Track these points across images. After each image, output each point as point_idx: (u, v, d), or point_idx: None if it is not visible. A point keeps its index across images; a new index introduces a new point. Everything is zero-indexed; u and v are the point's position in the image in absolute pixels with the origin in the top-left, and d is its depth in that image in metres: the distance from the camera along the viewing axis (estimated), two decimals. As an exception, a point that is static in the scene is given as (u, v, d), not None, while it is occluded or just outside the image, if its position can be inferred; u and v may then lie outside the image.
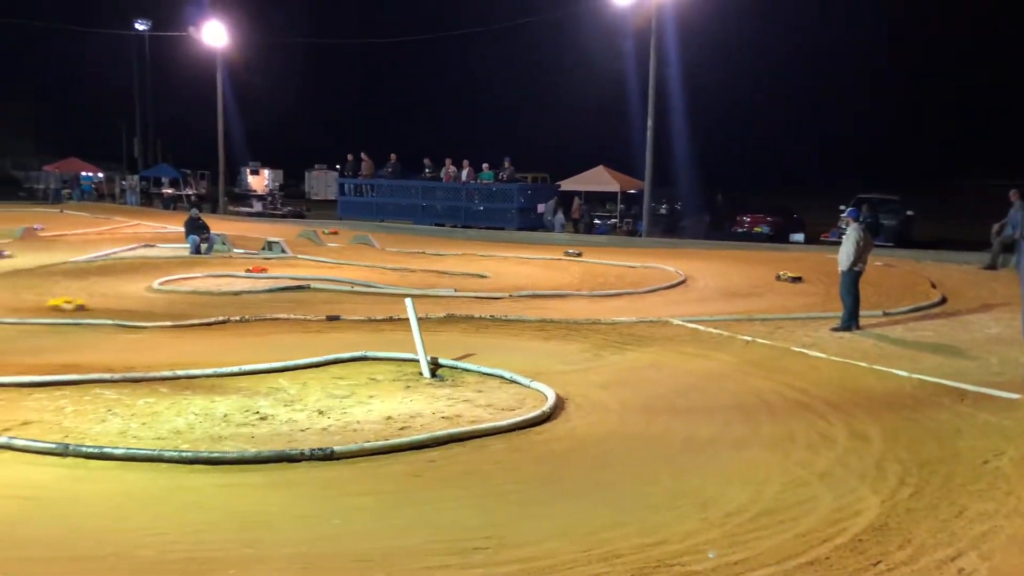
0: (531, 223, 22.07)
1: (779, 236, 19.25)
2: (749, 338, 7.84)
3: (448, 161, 23.82)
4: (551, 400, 5.68)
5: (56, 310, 8.77)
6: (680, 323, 8.56)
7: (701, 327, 8.38)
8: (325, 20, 54.51)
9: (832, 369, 6.84)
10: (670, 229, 21.38)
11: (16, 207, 27.05)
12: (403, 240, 18.43)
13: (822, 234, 18.60)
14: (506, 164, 22.91)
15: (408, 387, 6.18)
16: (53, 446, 4.63)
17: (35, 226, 18.58)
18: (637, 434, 5.28)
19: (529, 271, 13.67)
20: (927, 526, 3.75)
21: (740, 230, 19.98)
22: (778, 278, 11.96)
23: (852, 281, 8.40)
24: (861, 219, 8.81)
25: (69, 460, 4.52)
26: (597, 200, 24.64)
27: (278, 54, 42.93)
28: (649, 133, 20.20)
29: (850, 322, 8.35)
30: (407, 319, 7.10)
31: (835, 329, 8.30)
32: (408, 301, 7.09)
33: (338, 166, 31.40)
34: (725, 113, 42.13)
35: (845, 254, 8.43)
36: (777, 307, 9.81)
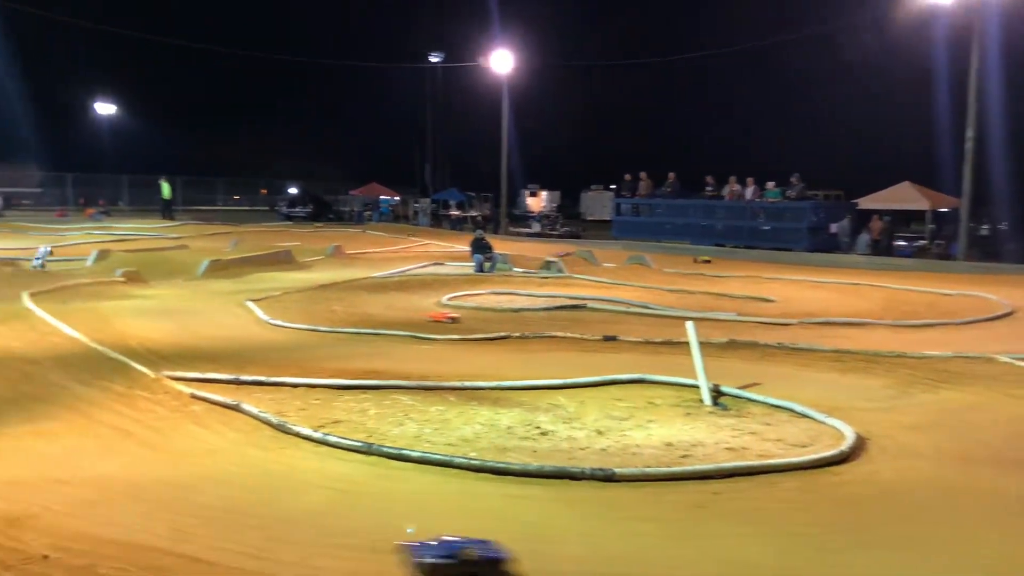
0: (823, 244, 20.66)
1: None
2: (1100, 382, 6.62)
3: (732, 179, 23.10)
4: (850, 439, 5.16)
5: None
6: (1008, 360, 7.46)
7: (1034, 366, 7.23)
8: (603, 40, 55.75)
9: None
10: (992, 252, 19.01)
11: (327, 228, 30.37)
12: (681, 261, 18.12)
13: None
14: (794, 181, 21.74)
15: (688, 414, 5.94)
16: (359, 444, 5.00)
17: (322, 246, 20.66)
18: (956, 486, 4.61)
19: (821, 296, 12.78)
20: None
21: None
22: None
23: None
24: None
25: (372, 458, 4.85)
26: (901, 219, 22.55)
27: (557, 77, 44.62)
28: (968, 144, 18.18)
29: None
30: (685, 343, 6.86)
31: None
32: (689, 324, 6.84)
33: (613, 186, 31.85)
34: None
35: None
36: None
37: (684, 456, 4.98)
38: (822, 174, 27.31)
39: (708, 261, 16.64)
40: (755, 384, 6.61)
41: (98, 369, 6.90)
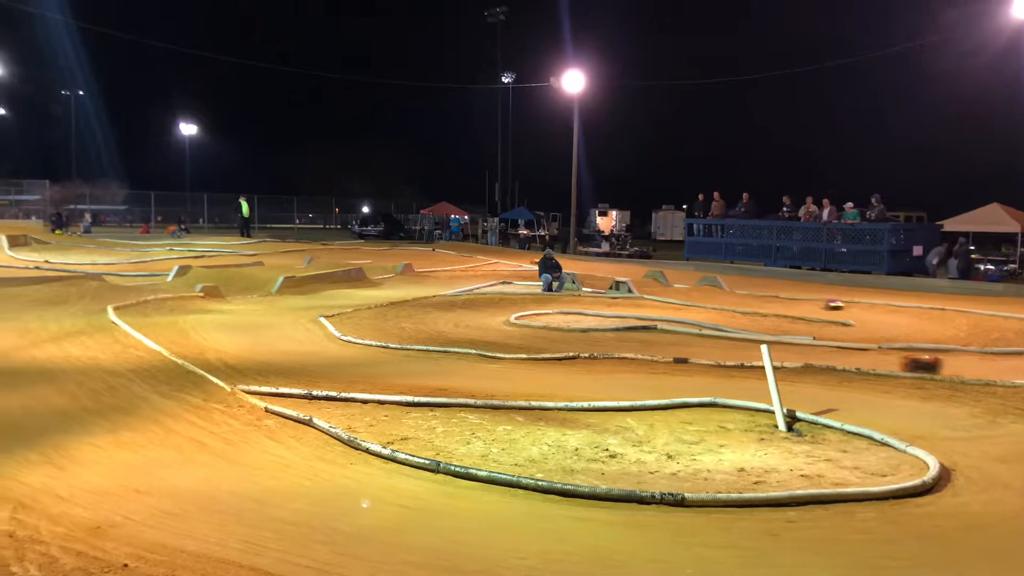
0: (904, 267, 20.00)
1: None
2: None
3: (808, 200, 22.64)
4: (933, 469, 4.93)
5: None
6: (1104, 392, 7.05)
7: None
8: (676, 59, 55.52)
9: None
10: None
11: (397, 246, 30.82)
12: (754, 283, 17.78)
13: None
14: (874, 202, 21.15)
15: (762, 439, 5.78)
16: (427, 462, 5.01)
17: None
18: (1049, 521, 4.36)
19: (902, 321, 12.36)
20: None
21: None
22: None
23: None
24: None
25: (440, 476, 4.86)
26: (990, 242, 21.72)
27: (628, 96, 44.61)
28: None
29: None
30: (759, 367, 6.70)
31: None
32: (764, 348, 6.67)
33: (684, 206, 31.57)
34: None
35: None
36: None
37: (757, 482, 4.85)
38: (904, 195, 26.58)
39: (840, 307, 13.33)
40: (832, 410, 6.40)
41: (177, 381, 7.12)
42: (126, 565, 3.55)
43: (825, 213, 22.01)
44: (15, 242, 22.87)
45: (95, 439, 5.49)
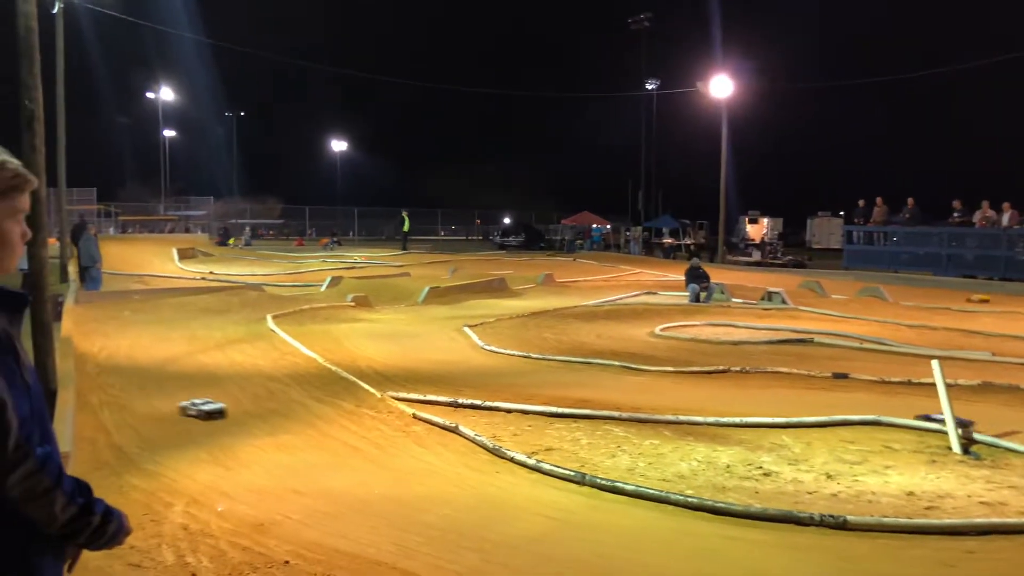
0: None
1: None
2: None
3: (985, 204, 20.90)
4: None
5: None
6: None
7: None
8: (832, 59, 53.06)
9: None
10: None
11: (538, 256, 30.98)
12: (922, 293, 16.66)
13: None
14: (1065, 204, 19.28)
15: (933, 462, 5.34)
16: (572, 474, 4.95)
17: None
18: None
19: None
20: None
21: None
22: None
23: None
24: None
25: (585, 489, 4.79)
26: None
27: (781, 99, 43.03)
28: None
29: None
30: (928, 383, 6.21)
31: None
32: (934, 363, 6.16)
33: (842, 213, 30.07)
34: None
35: None
36: None
37: (929, 507, 4.49)
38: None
39: (986, 300, 15.45)
40: (1015, 432, 5.84)
41: (330, 387, 7.41)
42: (287, 562, 3.69)
43: (1005, 218, 20.24)
44: (184, 255, 24.68)
45: (256, 440, 5.79)
